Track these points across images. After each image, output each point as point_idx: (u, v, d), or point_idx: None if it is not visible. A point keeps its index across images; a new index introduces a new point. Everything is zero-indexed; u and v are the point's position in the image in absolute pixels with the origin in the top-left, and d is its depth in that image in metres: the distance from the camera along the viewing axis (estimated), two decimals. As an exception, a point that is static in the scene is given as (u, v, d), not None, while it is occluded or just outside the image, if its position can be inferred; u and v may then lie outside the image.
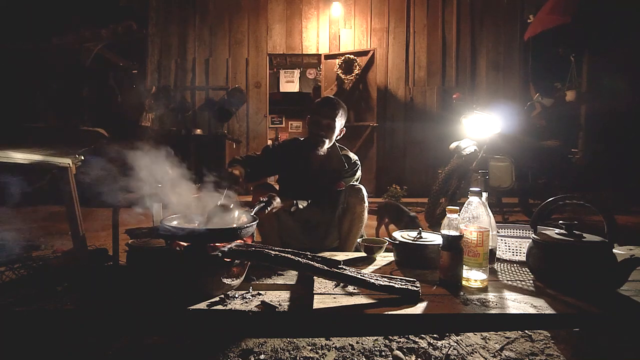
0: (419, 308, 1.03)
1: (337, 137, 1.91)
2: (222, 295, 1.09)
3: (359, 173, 2.00)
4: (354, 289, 1.15)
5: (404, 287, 1.09)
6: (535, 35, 4.76)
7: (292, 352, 1.32)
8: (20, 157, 1.57)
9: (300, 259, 1.11)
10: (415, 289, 1.09)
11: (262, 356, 1.28)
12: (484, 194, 1.33)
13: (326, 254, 1.48)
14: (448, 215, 1.22)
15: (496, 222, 1.36)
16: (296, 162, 1.95)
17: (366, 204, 1.83)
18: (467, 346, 1.37)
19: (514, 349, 1.36)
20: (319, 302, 1.05)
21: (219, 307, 1.03)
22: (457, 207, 1.23)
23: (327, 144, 1.88)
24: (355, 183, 1.91)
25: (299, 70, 8.37)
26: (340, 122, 1.87)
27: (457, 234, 1.17)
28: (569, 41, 4.96)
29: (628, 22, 4.45)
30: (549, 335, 1.45)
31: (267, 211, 1.52)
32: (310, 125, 1.89)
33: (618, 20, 4.42)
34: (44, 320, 1.01)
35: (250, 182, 1.83)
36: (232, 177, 1.61)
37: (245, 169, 1.76)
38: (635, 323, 1.03)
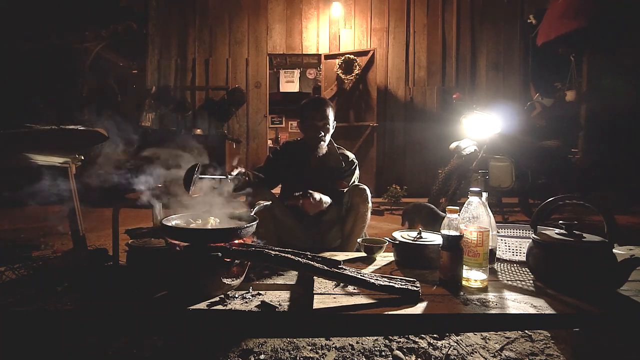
0: (419, 308, 1.02)
1: (331, 133, 1.97)
2: (222, 295, 1.09)
3: (357, 171, 2.03)
4: (354, 289, 1.15)
5: (404, 287, 1.09)
6: (549, 40, 4.71)
7: (292, 352, 1.32)
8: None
9: (300, 259, 1.11)
10: (415, 289, 1.09)
11: (262, 356, 1.28)
12: (484, 194, 1.33)
13: (326, 254, 1.48)
14: (448, 215, 1.22)
15: (496, 222, 1.36)
16: (296, 164, 1.98)
17: (370, 204, 1.85)
18: (467, 346, 1.37)
19: (514, 349, 1.36)
20: (319, 302, 1.05)
21: (219, 307, 1.03)
22: (457, 207, 1.23)
23: (326, 143, 1.95)
24: (359, 183, 1.93)
25: (299, 70, 8.37)
26: (332, 118, 1.93)
27: (457, 234, 1.17)
28: (583, 44, 4.92)
29: (629, 22, 4.44)
30: (549, 335, 1.45)
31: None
32: (305, 130, 1.93)
33: (625, 21, 4.41)
34: (44, 320, 1.01)
35: (269, 188, 1.93)
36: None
37: (257, 175, 1.87)
38: (635, 323, 1.02)
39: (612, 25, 4.41)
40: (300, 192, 1.69)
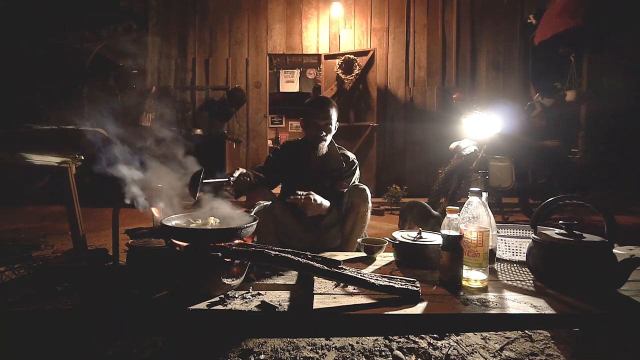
0: (419, 308, 1.02)
1: (333, 134, 1.96)
2: (222, 295, 1.09)
3: (357, 172, 2.02)
4: (354, 289, 1.15)
5: (404, 287, 1.09)
6: (546, 39, 4.72)
7: (292, 352, 1.32)
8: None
9: (300, 259, 1.11)
10: (415, 289, 1.09)
11: (262, 356, 1.28)
12: (484, 194, 1.33)
13: (326, 254, 1.48)
14: (448, 215, 1.22)
15: (496, 222, 1.36)
16: (296, 164, 1.98)
17: (370, 204, 1.85)
18: (467, 346, 1.37)
19: (514, 349, 1.37)
20: (319, 302, 1.05)
21: (219, 307, 1.03)
22: (457, 207, 1.23)
23: (327, 143, 1.95)
24: (359, 183, 1.93)
25: (299, 70, 8.37)
26: (334, 118, 1.93)
27: (457, 234, 1.17)
28: (579, 43, 4.93)
29: (628, 22, 4.45)
30: (549, 335, 1.45)
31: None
32: (307, 128, 1.93)
33: (620, 20, 4.42)
34: (44, 320, 1.01)
35: (269, 188, 1.92)
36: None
37: (258, 175, 1.88)
38: (635, 323, 1.02)
39: (608, 24, 4.42)
40: (303, 193, 1.69)
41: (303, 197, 1.67)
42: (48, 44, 5.40)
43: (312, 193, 1.71)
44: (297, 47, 6.14)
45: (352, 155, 2.04)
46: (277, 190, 2.01)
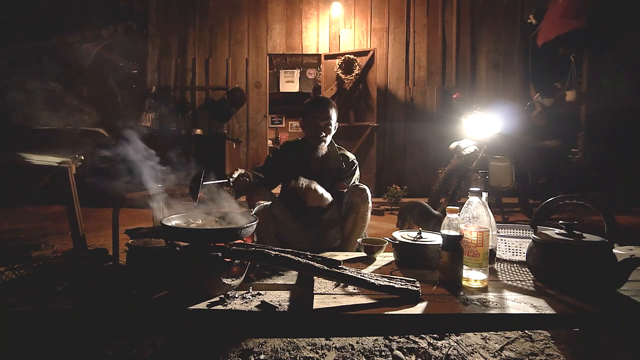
0: (419, 308, 1.02)
1: (333, 134, 1.96)
2: (222, 295, 1.09)
3: (357, 172, 2.02)
4: (354, 289, 1.15)
5: (404, 287, 1.09)
6: (549, 40, 4.72)
7: (292, 352, 1.32)
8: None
9: (300, 259, 1.11)
10: (415, 289, 1.09)
11: (262, 356, 1.28)
12: (484, 194, 1.33)
13: (326, 254, 1.48)
14: (448, 215, 1.22)
15: (496, 222, 1.36)
16: (296, 164, 1.98)
17: (370, 204, 1.85)
18: (467, 346, 1.37)
19: (514, 349, 1.37)
20: (319, 302, 1.05)
21: (219, 307, 1.03)
22: (457, 207, 1.23)
23: (327, 143, 1.94)
24: (359, 183, 1.93)
25: (299, 70, 8.37)
26: (334, 118, 1.93)
27: (457, 234, 1.17)
28: (583, 44, 4.94)
29: (629, 22, 4.45)
30: (549, 335, 1.45)
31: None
32: (307, 128, 1.94)
33: (621, 20, 4.42)
34: (44, 320, 1.01)
35: (269, 188, 1.92)
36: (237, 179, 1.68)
37: (257, 175, 1.89)
38: (635, 323, 1.02)
39: (611, 25, 4.42)
40: (305, 180, 1.69)
41: (304, 185, 1.67)
42: (48, 43, 5.40)
43: (314, 182, 1.71)
44: (297, 47, 6.14)
45: (352, 156, 2.04)
46: (277, 190, 2.01)
